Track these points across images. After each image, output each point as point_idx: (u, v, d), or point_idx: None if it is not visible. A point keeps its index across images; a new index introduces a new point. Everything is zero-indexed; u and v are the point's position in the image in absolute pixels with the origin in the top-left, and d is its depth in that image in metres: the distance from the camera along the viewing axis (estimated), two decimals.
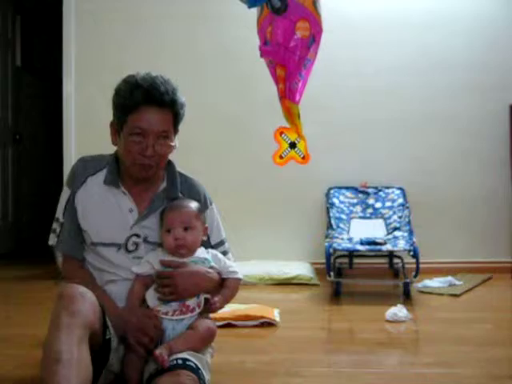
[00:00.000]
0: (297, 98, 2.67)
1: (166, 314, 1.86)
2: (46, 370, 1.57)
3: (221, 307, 1.93)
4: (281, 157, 2.90)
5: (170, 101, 1.88)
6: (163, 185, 2.00)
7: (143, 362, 1.82)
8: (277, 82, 2.72)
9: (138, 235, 1.94)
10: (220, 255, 1.99)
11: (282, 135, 2.87)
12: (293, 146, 2.87)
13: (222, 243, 2.07)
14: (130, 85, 1.88)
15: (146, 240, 1.95)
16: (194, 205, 1.96)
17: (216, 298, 1.89)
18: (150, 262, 1.92)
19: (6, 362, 2.34)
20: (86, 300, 1.71)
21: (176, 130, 1.95)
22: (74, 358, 1.57)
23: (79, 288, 1.74)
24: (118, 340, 1.86)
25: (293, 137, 2.86)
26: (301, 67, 2.65)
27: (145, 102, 1.85)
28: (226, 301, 1.95)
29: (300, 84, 2.67)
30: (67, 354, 1.57)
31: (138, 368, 1.82)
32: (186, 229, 1.90)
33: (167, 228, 1.90)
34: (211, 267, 1.94)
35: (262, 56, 2.68)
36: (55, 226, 2.01)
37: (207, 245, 2.02)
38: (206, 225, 1.99)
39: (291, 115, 2.74)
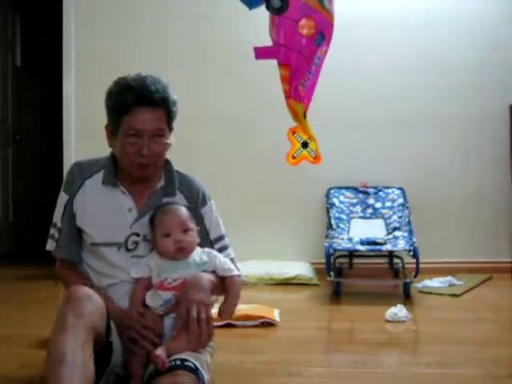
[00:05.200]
0: (305, 98, 2.63)
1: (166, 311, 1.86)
2: (50, 371, 1.56)
3: (231, 314, 1.91)
4: (293, 157, 2.83)
5: (162, 99, 1.88)
6: (161, 183, 2.01)
7: (146, 361, 1.82)
8: (282, 82, 2.68)
9: (137, 234, 1.95)
10: (215, 252, 1.96)
11: (295, 135, 2.81)
12: (305, 145, 2.81)
13: (221, 238, 2.06)
14: (121, 87, 1.89)
15: (145, 238, 1.95)
16: (184, 208, 1.95)
17: (224, 306, 1.87)
18: (148, 265, 1.91)
19: (6, 362, 2.34)
20: (92, 302, 1.71)
21: (170, 128, 1.95)
22: (78, 360, 1.57)
23: (86, 290, 1.74)
24: (121, 342, 1.86)
25: (305, 136, 2.80)
26: (310, 65, 2.61)
27: (137, 103, 1.86)
28: (235, 305, 1.90)
29: (310, 82, 2.64)
30: (71, 355, 1.56)
31: (141, 368, 1.81)
32: (184, 231, 1.89)
33: (165, 232, 1.87)
34: (204, 270, 1.90)
35: (257, 57, 2.61)
36: (53, 231, 2.02)
37: (207, 239, 2.01)
38: (197, 227, 1.97)
39: (297, 115, 2.71)
